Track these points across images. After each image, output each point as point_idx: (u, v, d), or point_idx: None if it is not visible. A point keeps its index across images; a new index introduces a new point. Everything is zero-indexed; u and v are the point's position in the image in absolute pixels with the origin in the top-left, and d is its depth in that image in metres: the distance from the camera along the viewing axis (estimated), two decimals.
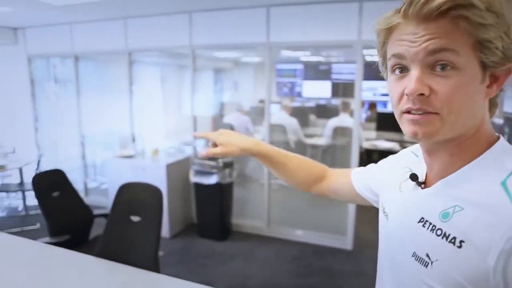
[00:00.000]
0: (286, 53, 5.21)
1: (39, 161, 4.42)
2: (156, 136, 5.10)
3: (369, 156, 5.68)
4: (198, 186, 3.84)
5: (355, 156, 3.61)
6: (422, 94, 0.58)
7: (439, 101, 0.57)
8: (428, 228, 0.62)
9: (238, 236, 4.00)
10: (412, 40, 0.58)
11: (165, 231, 3.89)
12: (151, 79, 5.66)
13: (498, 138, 0.64)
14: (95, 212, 2.97)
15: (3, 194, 4.89)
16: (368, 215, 4.58)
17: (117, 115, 4.75)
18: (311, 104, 6.52)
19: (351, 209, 3.66)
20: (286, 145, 4.22)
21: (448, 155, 0.64)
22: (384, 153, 5.82)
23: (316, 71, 6.92)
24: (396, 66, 0.62)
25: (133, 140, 4.48)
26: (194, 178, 3.83)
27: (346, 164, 3.68)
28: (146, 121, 4.87)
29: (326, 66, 6.80)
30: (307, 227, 3.94)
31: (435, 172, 0.67)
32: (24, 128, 5.31)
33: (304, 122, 5.09)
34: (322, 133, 4.84)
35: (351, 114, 3.92)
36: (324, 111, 5.90)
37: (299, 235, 3.92)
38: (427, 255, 0.61)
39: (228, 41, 3.92)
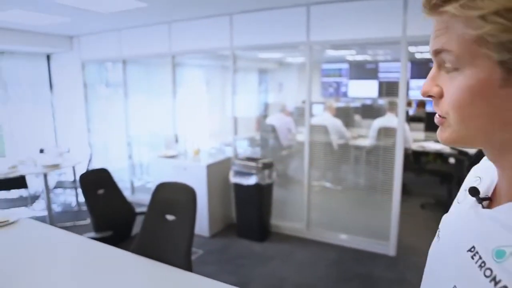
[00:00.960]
0: (330, 53, 5.11)
1: (89, 160, 4.69)
2: (199, 137, 5.21)
3: (417, 158, 5.41)
4: (237, 186, 3.87)
5: (399, 158, 3.45)
6: (431, 96, 0.53)
7: (446, 105, 0.51)
8: (476, 263, 0.49)
9: (277, 237, 3.97)
10: (431, 36, 0.52)
11: (205, 230, 3.96)
12: (194, 81, 5.80)
13: None
14: (139, 209, 3.08)
15: (59, 190, 5.24)
16: (412, 219, 4.39)
17: (161, 116, 4.91)
18: (357, 104, 6.34)
19: (395, 213, 3.50)
20: (328, 146, 4.13)
21: (510, 171, 0.51)
22: (433, 155, 5.52)
23: (362, 70, 6.73)
24: None
25: (176, 141, 4.61)
26: (233, 179, 3.86)
27: (390, 166, 3.53)
28: (189, 122, 4.99)
29: (372, 65, 6.59)
30: (347, 231, 3.82)
31: (504, 189, 0.53)
32: (78, 129, 5.66)
33: (348, 123, 4.95)
34: (367, 134, 4.68)
35: (398, 114, 3.75)
36: (370, 111, 5.71)
37: (339, 238, 3.82)
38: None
39: (268, 42, 3.91)
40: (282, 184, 4.42)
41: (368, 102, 6.61)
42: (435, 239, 0.66)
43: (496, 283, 0.45)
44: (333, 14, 3.51)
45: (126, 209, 2.96)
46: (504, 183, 0.53)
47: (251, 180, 3.72)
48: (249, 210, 3.84)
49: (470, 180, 0.66)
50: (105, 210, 2.80)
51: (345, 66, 6.86)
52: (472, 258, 0.50)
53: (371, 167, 3.92)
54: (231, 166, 4.00)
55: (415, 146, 5.09)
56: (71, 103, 5.71)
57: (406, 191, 4.55)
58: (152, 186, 4.50)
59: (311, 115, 4.04)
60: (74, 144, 5.42)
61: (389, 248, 3.54)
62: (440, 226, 0.66)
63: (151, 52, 4.72)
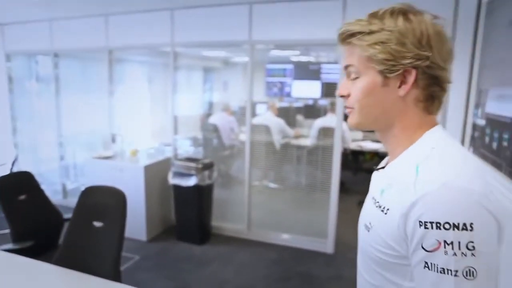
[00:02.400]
0: (275, 53, 5.13)
1: (13, 162, 4.30)
2: (138, 136, 4.99)
3: (356, 158, 5.62)
4: (177, 188, 3.74)
5: (337, 157, 3.53)
6: (343, 96, 0.83)
7: (352, 100, 0.81)
8: (374, 203, 0.80)
9: (218, 239, 3.90)
10: (342, 58, 0.83)
11: (142, 234, 3.79)
12: (135, 78, 5.54)
13: (430, 128, 0.78)
14: (67, 215, 2.85)
15: None
16: (350, 217, 4.49)
17: (98, 114, 4.63)
18: (299, 104, 6.44)
19: (333, 211, 3.58)
20: (270, 146, 4.14)
21: (390, 144, 0.84)
22: (370, 154, 5.77)
23: (306, 71, 6.84)
24: None
25: (113, 140, 4.37)
26: (172, 180, 3.73)
27: (329, 165, 3.61)
28: (128, 121, 4.76)
29: (315, 66, 6.73)
30: (288, 230, 3.85)
31: (390, 157, 0.85)
32: (1, 128, 5.17)
33: (291, 123, 5.01)
34: (308, 133, 4.76)
35: None
36: (312, 112, 5.83)
37: (280, 238, 3.84)
38: (370, 223, 0.79)
39: (210, 39, 3.82)
40: (225, 185, 4.36)
41: (311, 102, 6.75)
42: None
43: (380, 207, 0.76)
44: (276, 14, 3.51)
45: (52, 215, 2.72)
46: (390, 155, 0.85)
47: (191, 181, 3.61)
48: (189, 212, 3.73)
49: None
50: (26, 218, 2.55)
51: (289, 66, 6.95)
52: (373, 202, 0.81)
53: (311, 166, 3.98)
54: (170, 167, 3.87)
55: (353, 146, 5.28)
56: None
57: (344, 189, 4.69)
58: None
59: (254, 114, 4.02)
60: None
61: (327, 245, 3.63)
62: None
63: (87, 46, 4.42)
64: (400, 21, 0.74)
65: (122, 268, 3.23)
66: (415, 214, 0.66)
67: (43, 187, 2.67)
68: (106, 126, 4.50)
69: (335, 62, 4.34)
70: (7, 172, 4.05)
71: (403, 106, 0.77)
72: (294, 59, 6.39)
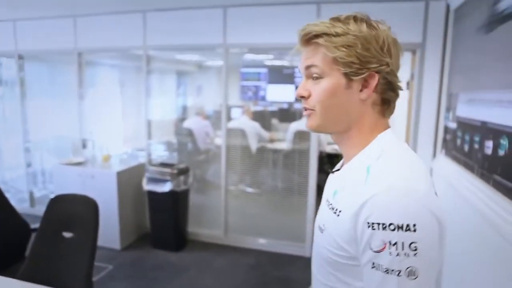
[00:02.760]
0: (249, 57, 5.12)
1: None
2: (110, 141, 4.84)
3: (331, 160, 5.67)
4: (151, 194, 3.64)
5: (313, 161, 3.54)
6: (303, 97, 0.82)
7: (313, 101, 0.80)
8: (327, 205, 0.81)
9: (194, 245, 3.83)
10: (301, 60, 0.83)
11: (115, 243, 3.67)
12: (106, 81, 5.38)
13: (382, 131, 0.81)
14: (35, 225, 2.71)
15: None
16: None
17: (67, 119, 4.46)
18: (274, 108, 6.45)
19: (310, 214, 3.59)
20: (246, 150, 4.11)
21: (345, 146, 0.85)
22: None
23: (279, 75, 6.87)
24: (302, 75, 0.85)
25: (83, 146, 4.21)
26: (147, 186, 3.63)
27: (305, 169, 3.62)
28: (99, 126, 4.60)
29: (289, 70, 6.77)
30: (265, 235, 3.83)
31: (345, 160, 0.86)
32: None
33: (266, 126, 5.00)
34: (284, 137, 4.76)
35: None
36: (287, 115, 5.85)
37: (258, 243, 3.81)
38: (323, 225, 0.80)
39: (184, 42, 3.75)
40: (200, 190, 4.29)
41: (285, 106, 6.78)
42: None
43: (333, 209, 0.77)
44: (251, 18, 3.49)
45: (18, 226, 2.58)
46: (345, 157, 0.86)
47: (166, 187, 3.53)
48: (164, 218, 3.64)
49: None
50: None
51: (264, 70, 6.95)
52: (327, 205, 0.82)
53: (288, 170, 3.98)
54: (144, 173, 3.77)
55: (329, 149, 5.32)
56: None
57: (320, 192, 4.72)
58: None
59: (229, 118, 3.98)
60: None
61: (306, 249, 3.62)
62: None
63: (54, 48, 4.25)
64: (364, 27, 0.77)
65: (95, 278, 3.11)
66: (364, 215, 0.68)
67: (8, 195, 2.52)
68: (76, 131, 4.34)
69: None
70: None
71: (362, 109, 0.80)
72: (268, 63, 6.41)
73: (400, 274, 0.65)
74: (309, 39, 0.79)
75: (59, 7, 3.78)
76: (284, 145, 4.47)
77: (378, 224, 0.65)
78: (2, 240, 2.42)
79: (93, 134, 4.33)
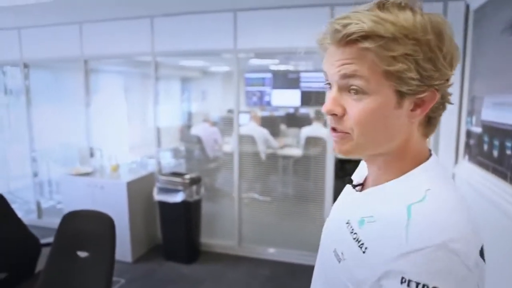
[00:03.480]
0: (254, 62, 5.05)
1: None
2: (118, 150, 4.75)
3: (343, 166, 5.55)
4: (162, 204, 3.54)
5: (329, 167, 3.44)
6: (335, 115, 0.63)
7: (350, 122, 0.61)
8: (349, 231, 0.67)
9: (208, 257, 3.71)
10: (331, 62, 0.62)
11: (127, 256, 3.57)
12: (113, 89, 5.30)
13: (426, 158, 0.66)
14: (46, 239, 2.61)
15: None
16: None
17: (74, 128, 4.38)
18: (281, 113, 6.36)
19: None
20: (256, 157, 4.00)
21: (377, 168, 0.69)
22: (357, 162, 5.71)
23: (284, 80, 6.80)
24: (326, 82, 0.66)
25: (91, 155, 4.12)
26: (158, 196, 3.53)
27: (320, 175, 3.52)
28: (107, 134, 4.52)
29: (294, 75, 6.69)
30: (280, 245, 3.71)
31: (371, 180, 0.73)
32: None
33: (274, 132, 4.90)
34: (292, 143, 4.67)
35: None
36: (294, 120, 5.75)
37: (272, 253, 3.69)
38: (342, 253, 0.67)
39: (192, 48, 3.67)
40: (211, 199, 4.18)
41: (292, 111, 6.69)
42: (327, 219, 0.86)
43: (358, 242, 0.63)
44: (260, 22, 3.40)
45: (27, 242, 2.48)
46: (372, 175, 0.72)
47: (178, 197, 3.42)
48: (176, 229, 3.53)
49: (355, 173, 0.86)
50: None
51: (268, 75, 6.88)
52: (347, 228, 0.67)
53: (299, 177, 3.88)
54: (155, 182, 3.66)
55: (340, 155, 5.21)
56: None
57: (335, 199, 4.61)
58: (64, 207, 3.97)
59: (239, 124, 3.90)
60: None
61: None
62: (331, 210, 0.86)
63: (60, 56, 4.17)
64: (427, 25, 0.57)
65: None
66: (399, 267, 0.55)
67: (14, 206, 2.43)
68: (83, 140, 4.25)
69: (315, 71, 4.30)
70: None
71: (408, 131, 0.64)
72: (273, 68, 6.33)
73: None
74: (351, 40, 0.58)
75: (64, 13, 3.69)
76: (295, 151, 4.37)
77: (418, 284, 0.54)
78: (11, 258, 2.32)
79: (101, 142, 4.24)
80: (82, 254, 1.75)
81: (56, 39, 4.10)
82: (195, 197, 3.54)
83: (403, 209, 0.58)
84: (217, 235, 3.91)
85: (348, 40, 0.58)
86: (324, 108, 0.63)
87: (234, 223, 3.78)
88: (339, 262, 0.67)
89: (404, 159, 0.65)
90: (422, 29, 0.56)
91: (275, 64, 5.99)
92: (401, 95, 0.59)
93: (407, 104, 0.60)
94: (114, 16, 3.75)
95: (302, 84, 6.35)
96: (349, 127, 0.62)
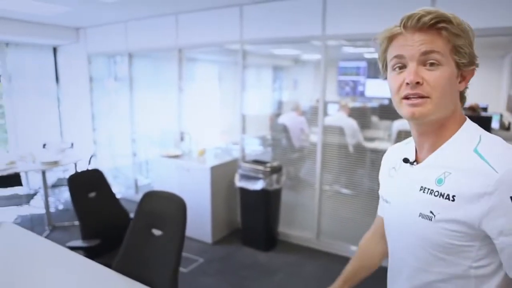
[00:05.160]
0: (348, 50, 4.80)
1: (90, 158, 4.49)
2: (207, 135, 4.96)
3: None
4: (243, 191, 3.60)
5: None
6: (418, 82, 0.79)
7: (430, 87, 0.79)
8: (427, 193, 0.83)
9: (285, 246, 3.69)
10: (410, 44, 0.80)
11: (207, 236, 3.72)
12: (204, 77, 5.54)
13: (465, 119, 0.86)
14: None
15: (64, 188, 5.07)
16: None
17: (168, 113, 4.68)
18: (374, 104, 5.98)
19: None
20: (342, 148, 3.82)
21: (435, 135, 0.85)
22: None
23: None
24: (396, 65, 0.83)
25: (182, 139, 4.36)
26: (239, 183, 3.59)
27: None
28: (197, 120, 4.74)
29: None
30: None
31: (426, 150, 0.88)
32: (83, 124, 5.48)
33: (365, 124, 4.63)
34: (384, 136, 4.35)
35: None
36: (388, 112, 5.35)
37: (351, 250, 3.51)
38: (431, 212, 0.81)
39: (280, 35, 3.61)
40: (293, 188, 4.12)
41: (386, 102, 6.25)
42: (385, 206, 1.01)
43: (443, 196, 0.80)
44: (351, 6, 3.19)
45: (119, 214, 2.72)
46: (426, 146, 0.88)
47: (258, 185, 3.44)
48: (255, 216, 3.57)
49: (389, 160, 1.05)
50: (95, 216, 2.57)
51: (363, 64, 6.49)
52: (424, 192, 0.84)
53: None
54: (237, 169, 3.73)
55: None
56: (77, 97, 5.53)
57: None
58: (155, 186, 4.30)
59: (325, 114, 3.74)
60: (78, 139, 5.25)
61: None
62: (383, 194, 1.05)
63: (157, 45, 4.48)
64: (463, 21, 0.80)
65: (186, 270, 3.17)
66: (504, 191, 0.71)
67: (119, 181, 2.68)
68: (175, 125, 4.52)
69: None
70: (85, 166, 4.24)
71: (457, 98, 0.85)
72: (368, 56, 5.94)
73: None
74: (435, 23, 0.77)
75: (164, 4, 3.93)
76: (385, 145, 4.06)
77: None
78: (105, 227, 2.56)
79: (190, 127, 4.46)
80: (157, 232, 1.84)
81: (155, 30, 4.41)
82: (275, 186, 3.53)
83: (471, 153, 0.78)
84: (296, 226, 3.85)
85: (431, 24, 0.77)
86: (408, 79, 0.79)
87: (313, 215, 3.68)
88: (431, 220, 0.81)
89: (456, 122, 0.84)
90: (463, 24, 0.79)
91: (370, 53, 5.63)
92: (459, 67, 0.80)
93: (458, 76, 0.82)
94: (206, 6, 3.87)
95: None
96: (429, 92, 0.78)
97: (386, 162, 1.07)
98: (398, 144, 1.07)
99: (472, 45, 0.80)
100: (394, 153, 1.03)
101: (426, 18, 0.77)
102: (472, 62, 0.81)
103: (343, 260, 3.51)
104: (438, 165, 0.83)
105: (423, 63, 0.79)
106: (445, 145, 0.83)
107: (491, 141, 0.79)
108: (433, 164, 0.85)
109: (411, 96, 0.79)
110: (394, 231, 0.96)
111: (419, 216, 0.83)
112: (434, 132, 0.84)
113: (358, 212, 3.77)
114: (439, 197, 0.80)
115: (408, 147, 0.96)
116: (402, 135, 3.72)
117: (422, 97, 0.79)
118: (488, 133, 0.82)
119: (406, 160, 0.93)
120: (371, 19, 3.11)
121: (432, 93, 0.78)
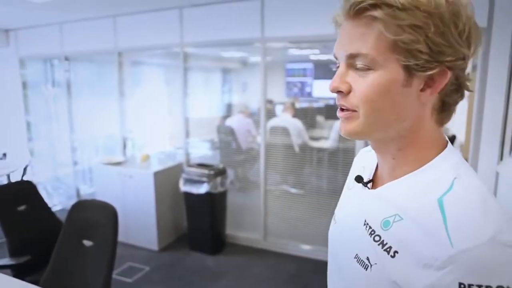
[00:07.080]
0: (294, 52, 4.90)
1: (25, 168, 4.22)
2: (152, 140, 4.85)
3: None
4: (188, 195, 3.55)
5: None
6: (340, 92, 0.60)
7: (356, 99, 0.58)
8: (368, 233, 0.63)
9: (233, 249, 3.68)
10: (341, 41, 0.60)
11: (153, 243, 3.63)
12: (151, 80, 5.41)
13: (444, 146, 0.63)
14: None
15: None
16: None
17: (111, 119, 4.51)
18: (320, 104, 6.16)
19: None
20: (288, 148, 3.89)
21: (391, 158, 0.64)
22: None
23: (326, 70, 6.56)
24: (336, 66, 0.62)
25: (124, 145, 4.23)
26: (184, 187, 3.54)
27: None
28: (141, 125, 4.62)
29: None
30: (308, 241, 3.59)
31: (385, 173, 0.67)
32: (17, 133, 5.14)
33: (311, 124, 4.75)
34: (329, 135, 4.49)
35: None
36: (334, 112, 5.51)
37: (300, 249, 3.58)
38: (368, 259, 0.62)
39: (221, 38, 3.61)
40: (242, 190, 4.14)
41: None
42: (332, 222, 0.82)
43: (383, 245, 0.59)
44: (291, 8, 3.26)
45: (53, 228, 2.56)
46: (386, 168, 0.66)
47: (202, 189, 3.41)
48: (201, 220, 3.53)
49: (355, 169, 0.81)
50: (24, 230, 2.41)
51: (309, 66, 6.67)
52: (366, 229, 0.63)
53: (333, 170, 3.71)
54: (181, 173, 3.68)
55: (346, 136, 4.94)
56: (9, 104, 5.18)
57: None
58: (99, 194, 4.12)
59: (271, 116, 3.80)
60: (12, 150, 4.91)
61: None
62: (335, 211, 0.83)
63: (96, 49, 4.31)
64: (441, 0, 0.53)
65: (131, 280, 3.08)
66: (453, 273, 0.51)
67: (60, 191, 2.53)
68: (117, 130, 4.37)
69: None
70: (18, 178, 3.97)
71: (419, 114, 0.60)
72: (314, 58, 6.11)
73: None
74: (360, 9, 0.55)
75: (100, 7, 3.79)
76: (328, 144, 4.20)
77: (480, 286, 0.50)
78: (36, 242, 2.41)
79: (133, 132, 4.33)
80: (88, 243, 1.76)
81: (93, 32, 4.24)
82: (220, 189, 3.51)
83: (434, 203, 0.55)
84: (244, 228, 3.87)
85: (357, 10, 0.55)
86: (329, 86, 0.60)
87: (259, 216, 3.71)
88: (367, 269, 0.62)
89: (419, 147, 0.61)
90: (436, 3, 0.53)
91: (315, 54, 5.79)
92: (409, 71, 0.56)
93: (417, 83, 0.57)
94: (145, 9, 3.78)
95: None
96: (354, 105, 0.59)
97: (353, 169, 0.84)
98: (369, 147, 0.82)
99: (443, 33, 0.53)
100: (364, 160, 0.80)
101: (349, 3, 0.56)
102: (438, 61, 0.55)
103: (292, 259, 3.60)
104: (390, 201, 0.62)
105: (353, 66, 0.58)
106: (408, 176, 0.61)
107: (466, 194, 0.55)
108: (385, 198, 0.63)
109: (342, 107, 0.61)
110: (334, 262, 0.78)
111: (355, 258, 0.65)
112: (390, 155, 0.64)
113: (306, 210, 3.86)
114: (380, 245, 0.60)
115: (374, 157, 0.72)
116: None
117: (348, 110, 0.60)
118: (471, 176, 0.58)
119: (359, 179, 0.72)
120: (312, 22, 3.18)
121: (359, 106, 0.58)
